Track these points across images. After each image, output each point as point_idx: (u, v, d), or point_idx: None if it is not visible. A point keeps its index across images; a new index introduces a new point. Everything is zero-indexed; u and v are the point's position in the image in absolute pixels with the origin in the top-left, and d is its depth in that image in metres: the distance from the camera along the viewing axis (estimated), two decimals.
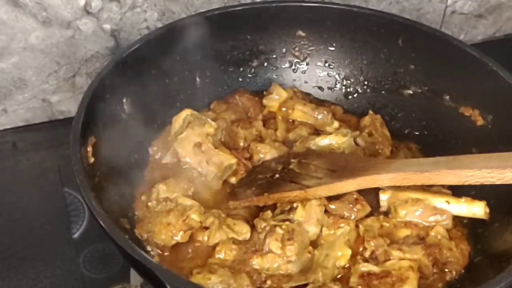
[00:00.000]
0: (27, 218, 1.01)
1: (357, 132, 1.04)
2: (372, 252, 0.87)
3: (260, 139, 1.02)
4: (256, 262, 0.85)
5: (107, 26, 1.09)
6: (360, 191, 0.92)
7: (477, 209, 0.90)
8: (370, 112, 1.08)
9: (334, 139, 1.01)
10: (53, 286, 0.93)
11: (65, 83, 1.13)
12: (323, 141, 1.01)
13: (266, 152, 0.99)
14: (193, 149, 0.95)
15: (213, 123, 0.97)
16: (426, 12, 1.31)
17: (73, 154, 0.81)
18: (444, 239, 0.89)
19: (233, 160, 0.96)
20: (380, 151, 1.02)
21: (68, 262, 0.96)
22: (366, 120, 1.06)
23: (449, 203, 0.91)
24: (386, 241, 0.87)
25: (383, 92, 1.11)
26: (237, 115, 1.05)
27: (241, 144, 1.00)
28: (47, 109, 1.15)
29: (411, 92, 1.08)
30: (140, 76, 0.97)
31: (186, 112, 0.97)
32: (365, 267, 0.85)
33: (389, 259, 0.86)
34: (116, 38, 1.11)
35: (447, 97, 1.04)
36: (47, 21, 1.05)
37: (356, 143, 1.02)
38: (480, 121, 1.00)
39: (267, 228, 0.87)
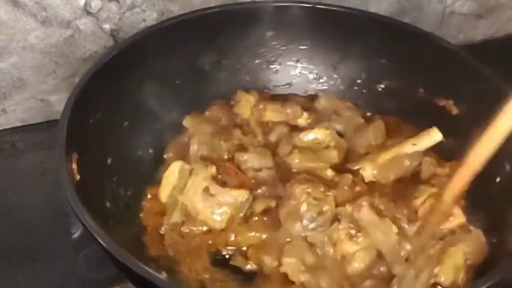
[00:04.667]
0: (27, 218, 1.01)
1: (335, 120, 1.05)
2: None
3: (243, 147, 1.02)
4: None
5: (107, 26, 1.09)
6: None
7: (435, 135, 0.98)
8: (320, 93, 1.10)
9: (318, 133, 1.02)
10: (53, 286, 0.93)
11: (64, 83, 1.13)
12: (307, 137, 1.02)
13: (252, 160, 0.99)
14: (202, 196, 0.93)
15: (210, 165, 0.96)
16: (426, 13, 1.31)
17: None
18: (438, 168, 0.97)
19: (246, 195, 0.94)
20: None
21: (68, 262, 0.95)
22: (321, 103, 1.09)
23: (415, 144, 0.98)
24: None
25: (355, 88, 1.12)
26: (212, 126, 1.04)
27: (225, 156, 1.00)
28: (45, 109, 1.15)
29: (383, 86, 1.10)
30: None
31: (178, 165, 0.96)
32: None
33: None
34: (115, 38, 1.11)
35: (421, 89, 1.06)
36: (46, 20, 1.04)
37: (339, 134, 1.03)
38: (455, 111, 1.02)
39: None
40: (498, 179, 0.93)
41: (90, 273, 0.94)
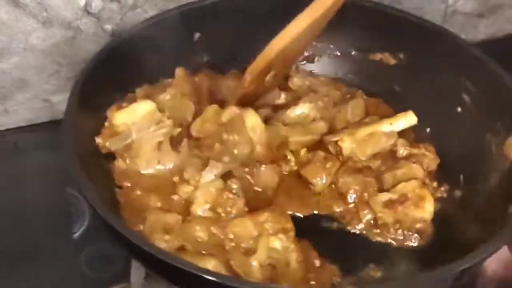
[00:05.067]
0: (28, 218, 1.01)
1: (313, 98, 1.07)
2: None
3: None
4: None
5: (108, 27, 1.09)
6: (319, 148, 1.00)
7: (411, 118, 1.02)
8: (292, 75, 1.11)
9: (303, 107, 1.04)
10: (53, 286, 0.94)
11: (66, 83, 1.13)
12: (294, 112, 1.04)
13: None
14: (151, 146, 0.95)
15: (179, 130, 0.97)
16: (427, 12, 1.30)
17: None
18: (412, 149, 0.99)
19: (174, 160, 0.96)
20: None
21: (69, 262, 0.96)
22: (296, 81, 1.11)
23: (392, 124, 1.01)
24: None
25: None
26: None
27: (189, 119, 1.00)
28: (48, 109, 1.15)
29: (318, 58, 1.13)
30: None
31: (151, 106, 0.97)
32: (383, 196, 0.93)
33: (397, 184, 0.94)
34: None
35: (353, 50, 1.10)
36: (47, 21, 1.05)
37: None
38: (392, 61, 1.07)
39: None
40: (459, 109, 1.00)
41: (91, 273, 0.94)
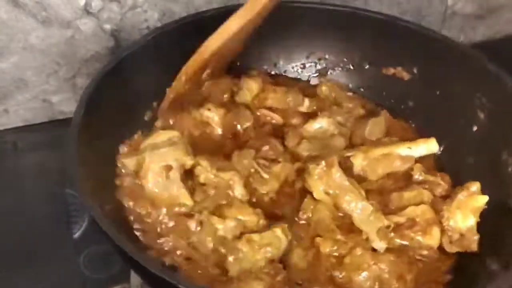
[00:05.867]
0: (28, 218, 1.00)
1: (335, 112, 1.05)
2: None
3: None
4: None
5: (108, 26, 1.09)
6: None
7: (432, 146, 0.99)
8: (322, 83, 1.11)
9: (322, 122, 1.03)
10: (53, 286, 0.93)
11: (65, 84, 1.13)
12: (313, 126, 1.03)
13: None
14: (158, 169, 0.88)
15: (192, 162, 0.91)
16: (427, 14, 1.31)
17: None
18: (428, 175, 0.96)
19: (189, 202, 0.88)
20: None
21: (68, 263, 0.95)
22: (324, 90, 1.09)
23: (410, 148, 0.98)
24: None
25: (302, 79, 1.14)
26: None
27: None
28: (47, 109, 1.15)
29: (330, 71, 1.12)
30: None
31: (174, 133, 0.94)
32: (389, 219, 0.88)
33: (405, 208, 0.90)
34: (116, 38, 1.11)
35: (366, 65, 1.09)
36: (47, 21, 1.05)
37: (340, 124, 1.04)
38: (406, 76, 1.06)
39: None
40: (475, 128, 0.97)
41: (90, 273, 0.94)
